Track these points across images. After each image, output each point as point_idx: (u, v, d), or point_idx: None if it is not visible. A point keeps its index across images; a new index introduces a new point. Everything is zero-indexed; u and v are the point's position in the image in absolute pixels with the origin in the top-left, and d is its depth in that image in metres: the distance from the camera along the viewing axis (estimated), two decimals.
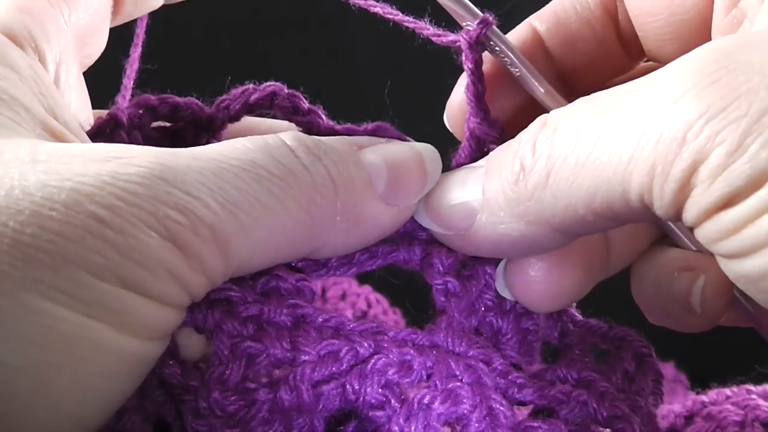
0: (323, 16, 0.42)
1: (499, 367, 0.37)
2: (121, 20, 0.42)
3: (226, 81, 0.39)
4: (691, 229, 0.31)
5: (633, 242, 0.40)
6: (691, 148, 0.28)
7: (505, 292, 0.38)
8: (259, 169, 0.32)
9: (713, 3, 0.38)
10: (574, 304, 0.40)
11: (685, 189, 0.29)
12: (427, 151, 0.37)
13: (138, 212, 0.29)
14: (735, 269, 0.30)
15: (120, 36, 0.42)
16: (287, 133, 0.34)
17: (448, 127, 0.41)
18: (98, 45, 0.40)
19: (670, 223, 0.38)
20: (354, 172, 0.34)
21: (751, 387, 0.50)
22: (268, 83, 0.38)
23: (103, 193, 0.28)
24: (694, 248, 0.39)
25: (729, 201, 0.28)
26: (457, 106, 0.40)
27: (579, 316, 0.40)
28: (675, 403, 0.51)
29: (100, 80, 0.42)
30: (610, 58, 0.42)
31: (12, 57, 0.34)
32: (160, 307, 0.30)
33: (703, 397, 0.50)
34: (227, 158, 0.32)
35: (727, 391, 0.50)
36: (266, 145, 0.33)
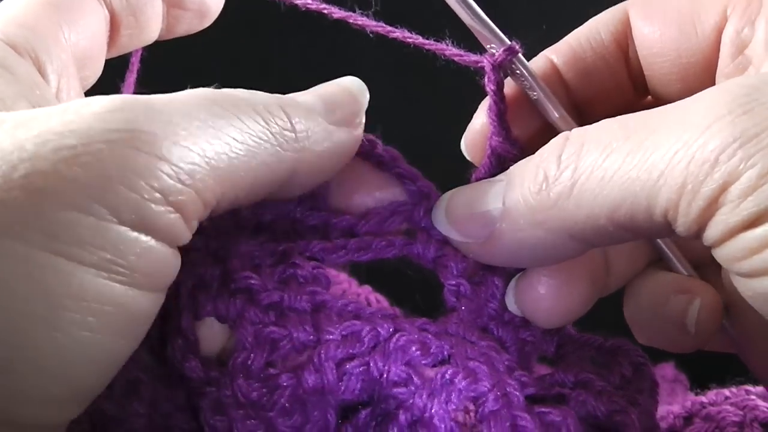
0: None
1: (506, 362, 0.39)
2: (116, 52, 0.44)
3: None
4: (708, 249, 0.34)
5: (630, 264, 0.43)
6: (723, 169, 0.31)
7: (513, 308, 0.41)
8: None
9: (719, 49, 0.41)
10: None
11: (712, 207, 0.31)
12: (347, 79, 0.40)
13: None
14: (755, 287, 0.32)
15: (117, 60, 0.44)
16: None
17: (465, 153, 0.44)
18: (95, 69, 0.42)
19: (666, 248, 0.42)
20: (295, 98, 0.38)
21: (750, 387, 0.51)
22: None
23: (69, 128, 0.29)
24: (686, 273, 0.42)
25: (755, 220, 0.31)
26: (479, 131, 0.43)
27: (574, 332, 0.43)
28: (674, 404, 0.51)
29: None
30: (621, 91, 0.45)
31: (11, 61, 0.35)
32: (146, 240, 0.30)
33: (702, 398, 0.50)
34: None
35: (726, 392, 0.51)
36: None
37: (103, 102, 0.31)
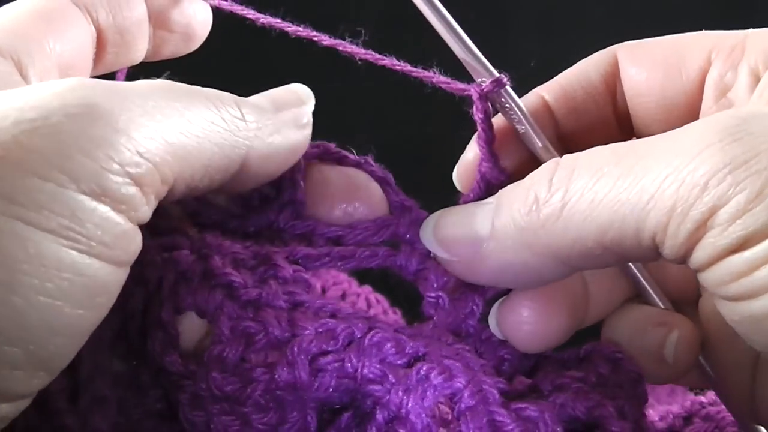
0: (322, 17, 0.43)
1: (481, 365, 0.39)
2: (103, 69, 0.44)
3: None
4: (686, 284, 0.35)
5: (610, 297, 0.44)
6: (713, 193, 0.31)
7: (496, 331, 0.41)
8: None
9: (703, 91, 0.42)
10: None
11: (700, 230, 0.32)
12: (294, 84, 0.42)
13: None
14: (740, 311, 0.33)
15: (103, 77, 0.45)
16: None
17: (457, 185, 0.45)
18: None
19: (644, 282, 0.43)
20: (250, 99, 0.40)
21: None
22: None
23: (29, 105, 0.31)
24: (663, 306, 0.43)
25: (743, 244, 0.31)
26: (472, 161, 0.44)
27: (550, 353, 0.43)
28: (674, 404, 0.51)
29: None
30: (608, 130, 0.46)
31: None
32: (104, 210, 0.31)
33: (702, 398, 0.51)
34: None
35: None
36: None
37: (64, 82, 0.32)
